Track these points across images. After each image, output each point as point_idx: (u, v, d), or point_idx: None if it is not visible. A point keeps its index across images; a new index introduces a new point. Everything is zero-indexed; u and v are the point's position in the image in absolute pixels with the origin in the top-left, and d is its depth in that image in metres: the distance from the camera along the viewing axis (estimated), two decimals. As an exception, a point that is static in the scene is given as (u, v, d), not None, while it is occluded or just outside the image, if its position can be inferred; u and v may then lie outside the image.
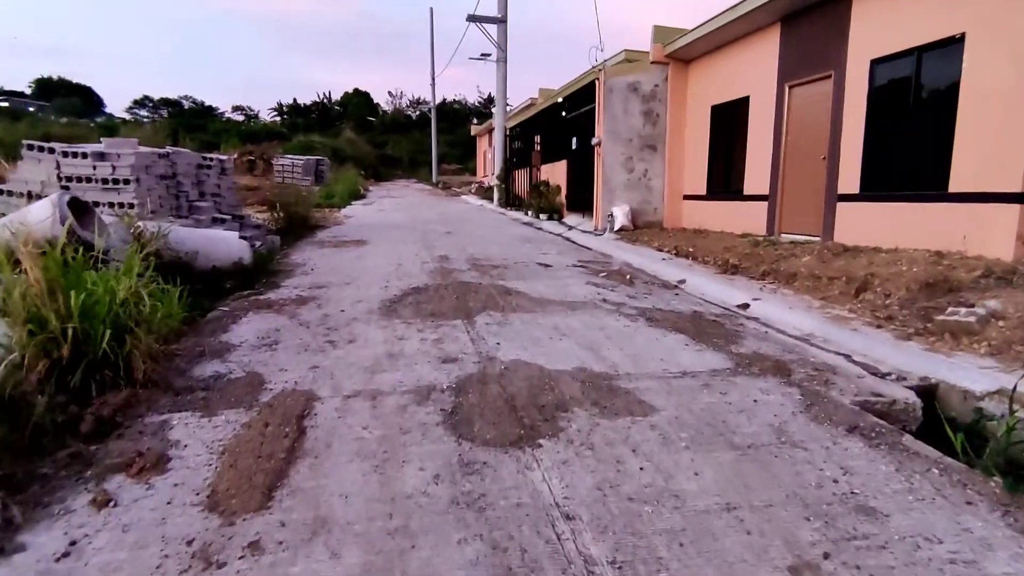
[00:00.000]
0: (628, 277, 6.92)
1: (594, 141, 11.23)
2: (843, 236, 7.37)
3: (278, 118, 64.71)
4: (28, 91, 63.03)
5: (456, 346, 4.11)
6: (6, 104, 54.63)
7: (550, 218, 13.59)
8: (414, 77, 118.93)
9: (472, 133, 39.11)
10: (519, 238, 10.80)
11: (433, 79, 43.94)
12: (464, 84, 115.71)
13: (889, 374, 3.66)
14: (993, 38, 5.54)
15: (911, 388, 3.45)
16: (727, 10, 8.95)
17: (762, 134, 8.98)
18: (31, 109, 54.60)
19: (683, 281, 6.64)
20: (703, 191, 10.74)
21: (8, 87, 61.41)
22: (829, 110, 7.61)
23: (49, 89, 62.35)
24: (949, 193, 5.99)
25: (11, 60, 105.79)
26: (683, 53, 10.79)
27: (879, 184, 6.90)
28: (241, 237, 8.50)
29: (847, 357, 4.00)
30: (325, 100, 65.50)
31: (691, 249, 8.30)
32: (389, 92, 70.25)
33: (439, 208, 19.05)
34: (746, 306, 5.48)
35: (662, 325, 4.74)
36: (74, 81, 64.77)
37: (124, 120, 54.80)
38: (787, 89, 8.43)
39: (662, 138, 11.38)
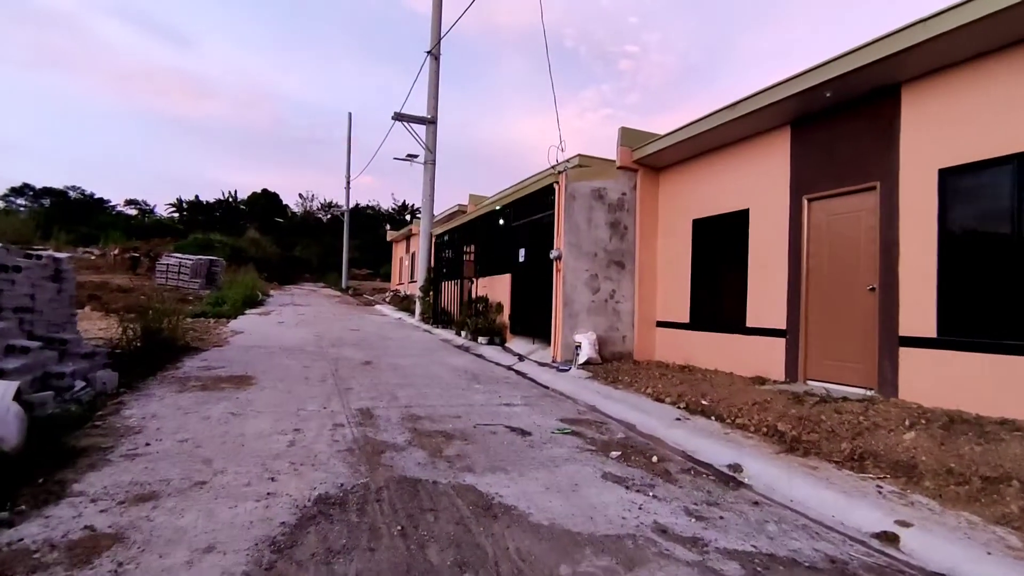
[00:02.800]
0: (654, 459, 4.61)
1: (553, 254, 9.30)
2: (915, 393, 5.54)
3: (176, 214, 60.24)
4: None
5: None
6: None
7: (491, 342, 11.29)
8: (326, 181, 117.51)
9: (388, 239, 37.12)
10: (464, 373, 8.35)
11: (348, 182, 42.39)
12: (377, 190, 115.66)
13: None
14: None
15: None
16: (719, 111, 7.57)
17: (770, 255, 7.35)
18: None
19: (738, 468, 4.41)
20: (685, 319, 8.92)
21: None
22: (876, 228, 6.05)
23: (-95, 171, 55.19)
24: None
25: None
26: (655, 160, 9.35)
27: (972, 328, 5.20)
28: (49, 379, 5.59)
29: None
30: (230, 199, 61.97)
31: (704, 401, 6.21)
32: (300, 194, 67.89)
33: (352, 321, 16.31)
34: (893, 539, 3.28)
35: (830, 625, 2.40)
36: (-63, 165, 57.84)
37: (-7, 208, 48.66)
38: (805, 203, 6.91)
39: (631, 254, 9.65)
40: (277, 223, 59.96)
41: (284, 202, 64.38)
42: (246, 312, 17.29)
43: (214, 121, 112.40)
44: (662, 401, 6.56)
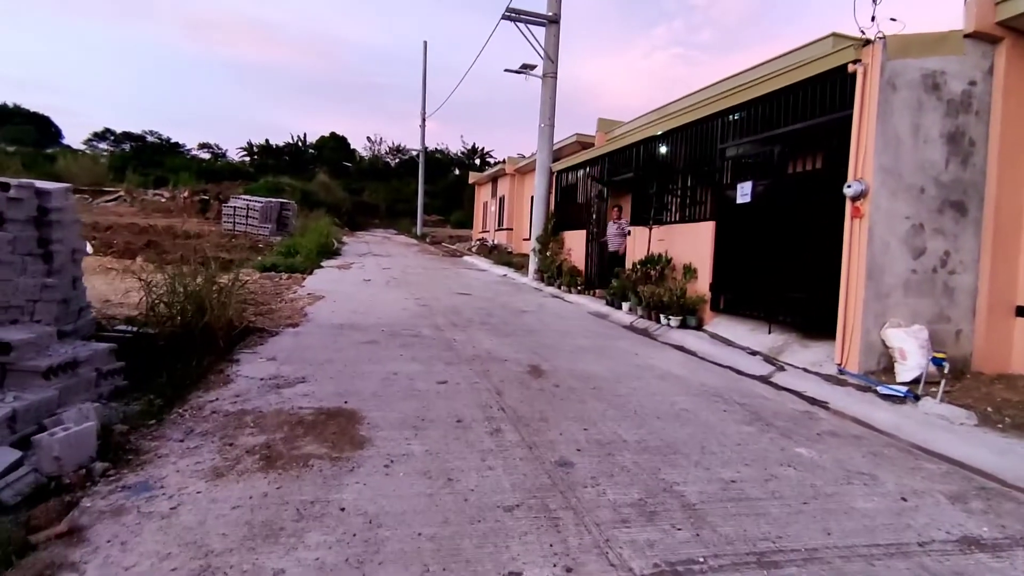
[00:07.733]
0: None
1: (852, 189, 5.34)
2: None
3: (247, 158, 58.63)
4: (-21, 118, 56.01)
5: None
6: (-50, 129, 47.92)
7: (684, 324, 7.53)
8: (393, 125, 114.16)
9: (470, 181, 33.41)
10: (719, 401, 4.66)
11: (424, 119, 38.52)
12: (445, 135, 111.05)
13: None
14: None
15: None
16: None
17: None
18: (-23, 136, 48.03)
19: None
20: (1116, 308, 4.86)
21: (-40, 113, 54.59)
22: None
23: (2, 117, 55.32)
24: None
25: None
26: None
27: None
28: None
29: None
30: (299, 142, 59.66)
31: None
32: (368, 138, 64.09)
33: (451, 279, 12.87)
34: None
35: None
36: (31, 110, 57.86)
37: (75, 151, 48.10)
38: None
39: (978, 189, 5.57)
40: (346, 167, 57.46)
41: (352, 146, 61.59)
42: (322, 264, 14.18)
43: (282, 67, 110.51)
44: None
